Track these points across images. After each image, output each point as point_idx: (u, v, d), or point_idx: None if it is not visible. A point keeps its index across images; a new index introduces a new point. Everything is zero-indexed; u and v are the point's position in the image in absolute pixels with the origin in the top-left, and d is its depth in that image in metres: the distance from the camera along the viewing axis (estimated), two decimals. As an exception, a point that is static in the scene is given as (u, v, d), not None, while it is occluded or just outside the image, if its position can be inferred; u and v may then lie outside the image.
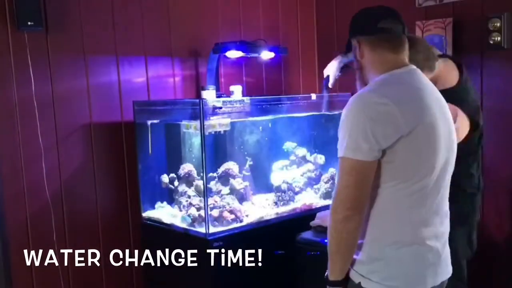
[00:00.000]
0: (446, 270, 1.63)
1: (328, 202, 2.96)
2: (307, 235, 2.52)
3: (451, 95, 2.08)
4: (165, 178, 2.82)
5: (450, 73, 2.28)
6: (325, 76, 2.79)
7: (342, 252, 1.55)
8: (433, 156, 1.53)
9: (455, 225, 2.04)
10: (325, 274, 1.62)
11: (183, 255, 2.63)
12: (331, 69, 2.76)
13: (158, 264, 2.76)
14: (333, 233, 1.53)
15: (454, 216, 1.99)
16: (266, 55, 3.04)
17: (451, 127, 1.63)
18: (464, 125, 2.17)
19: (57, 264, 2.68)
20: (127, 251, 2.96)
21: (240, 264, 2.57)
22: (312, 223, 2.50)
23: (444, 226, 1.63)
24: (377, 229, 1.55)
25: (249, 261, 2.59)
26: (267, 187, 3.00)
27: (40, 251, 2.65)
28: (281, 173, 3.00)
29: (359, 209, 1.50)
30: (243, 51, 2.90)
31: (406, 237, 1.54)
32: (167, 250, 2.72)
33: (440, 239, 1.60)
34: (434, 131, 1.53)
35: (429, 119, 1.52)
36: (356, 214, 1.50)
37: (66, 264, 2.73)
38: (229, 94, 2.89)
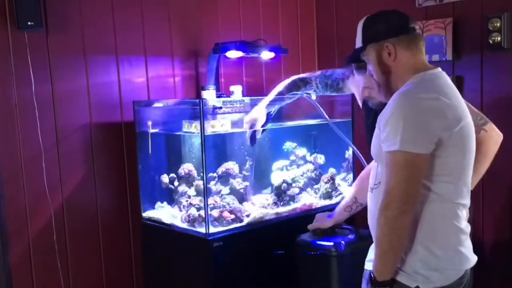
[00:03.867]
0: (473, 257, 1.68)
1: (328, 202, 2.97)
2: (306, 237, 2.52)
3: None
4: (165, 178, 2.82)
5: None
6: (249, 125, 2.54)
7: (395, 250, 1.54)
8: (471, 155, 1.60)
9: None
10: (370, 276, 1.60)
11: (183, 255, 2.63)
12: (260, 119, 2.54)
13: (158, 264, 2.76)
14: (386, 230, 1.51)
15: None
16: (266, 55, 3.04)
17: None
18: None
19: (57, 263, 2.68)
20: (127, 251, 2.96)
21: (240, 264, 2.57)
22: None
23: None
24: (427, 234, 1.56)
25: (249, 261, 2.59)
26: (267, 187, 2.99)
27: (40, 251, 2.65)
28: (281, 173, 2.99)
29: (413, 204, 1.50)
30: (243, 51, 2.90)
31: (456, 241, 1.59)
32: (167, 250, 2.72)
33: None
34: (471, 131, 1.59)
35: (468, 118, 1.59)
36: (411, 209, 1.49)
37: (66, 264, 2.73)
38: (229, 94, 2.89)
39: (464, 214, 1.63)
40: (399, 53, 1.63)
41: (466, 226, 1.64)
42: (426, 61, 1.68)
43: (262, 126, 2.61)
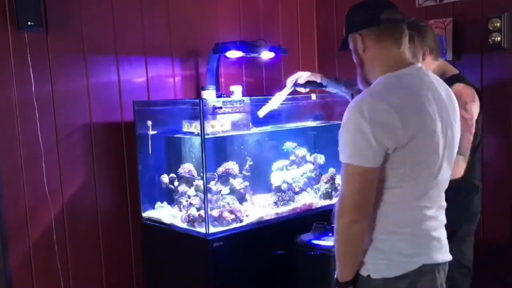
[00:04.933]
0: (446, 255, 1.64)
1: (328, 202, 2.97)
2: (306, 237, 2.52)
3: (461, 79, 2.25)
4: (165, 178, 2.82)
5: (450, 66, 2.39)
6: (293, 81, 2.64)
7: (351, 254, 1.56)
8: (434, 158, 1.54)
9: (464, 222, 2.12)
10: (335, 277, 1.62)
11: (183, 255, 2.63)
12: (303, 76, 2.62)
13: (158, 264, 2.76)
14: (340, 236, 1.54)
15: (464, 212, 2.06)
16: (266, 55, 3.04)
17: (456, 124, 1.62)
18: (476, 110, 2.23)
19: (57, 264, 2.68)
20: (127, 251, 2.96)
21: (240, 264, 2.57)
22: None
23: (442, 216, 1.65)
24: (384, 229, 1.55)
25: (249, 261, 2.59)
26: (267, 187, 3.00)
27: (40, 251, 2.65)
28: (281, 173, 2.99)
29: (365, 214, 1.50)
30: (243, 51, 2.90)
31: (414, 231, 1.56)
32: (167, 250, 2.72)
33: (441, 230, 1.63)
34: (434, 136, 1.52)
35: (430, 125, 1.50)
36: (362, 219, 1.50)
37: (66, 264, 2.73)
38: (229, 94, 2.89)
39: (431, 213, 1.59)
40: (368, 45, 1.59)
41: (432, 227, 1.60)
42: (402, 54, 1.59)
43: (309, 85, 2.65)
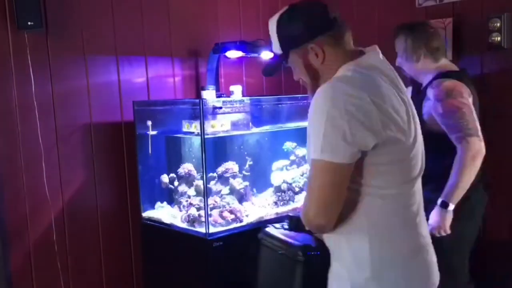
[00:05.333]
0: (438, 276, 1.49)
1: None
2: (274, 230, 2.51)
3: (461, 76, 2.34)
4: (165, 178, 2.82)
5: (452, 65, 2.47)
6: None
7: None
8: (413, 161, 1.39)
9: (462, 218, 2.13)
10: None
11: (183, 255, 2.63)
12: None
13: (158, 264, 2.76)
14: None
15: (463, 209, 2.13)
16: (266, 55, 3.04)
17: (416, 119, 1.42)
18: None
19: (57, 264, 2.68)
20: (127, 251, 2.97)
21: (240, 264, 2.57)
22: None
23: (427, 231, 1.48)
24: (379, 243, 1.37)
25: (249, 261, 2.59)
26: (267, 187, 3.00)
27: (40, 251, 2.65)
28: (281, 173, 3.00)
29: (333, 216, 1.32)
30: (243, 51, 2.90)
31: (411, 247, 1.40)
32: (167, 250, 2.72)
33: (429, 246, 1.47)
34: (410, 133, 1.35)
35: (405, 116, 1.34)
36: (330, 223, 1.33)
37: (66, 264, 2.73)
38: (229, 94, 2.90)
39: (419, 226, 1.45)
40: (327, 52, 1.40)
41: (424, 244, 1.47)
42: (352, 46, 1.45)
43: None
